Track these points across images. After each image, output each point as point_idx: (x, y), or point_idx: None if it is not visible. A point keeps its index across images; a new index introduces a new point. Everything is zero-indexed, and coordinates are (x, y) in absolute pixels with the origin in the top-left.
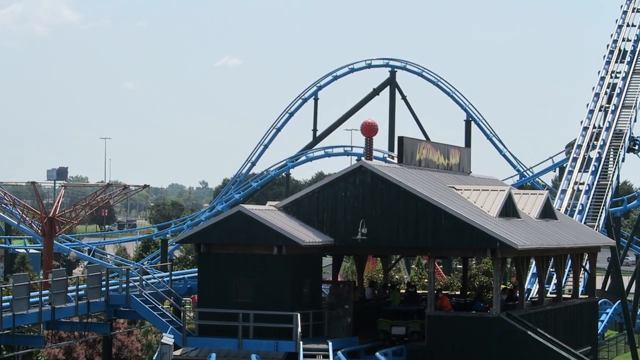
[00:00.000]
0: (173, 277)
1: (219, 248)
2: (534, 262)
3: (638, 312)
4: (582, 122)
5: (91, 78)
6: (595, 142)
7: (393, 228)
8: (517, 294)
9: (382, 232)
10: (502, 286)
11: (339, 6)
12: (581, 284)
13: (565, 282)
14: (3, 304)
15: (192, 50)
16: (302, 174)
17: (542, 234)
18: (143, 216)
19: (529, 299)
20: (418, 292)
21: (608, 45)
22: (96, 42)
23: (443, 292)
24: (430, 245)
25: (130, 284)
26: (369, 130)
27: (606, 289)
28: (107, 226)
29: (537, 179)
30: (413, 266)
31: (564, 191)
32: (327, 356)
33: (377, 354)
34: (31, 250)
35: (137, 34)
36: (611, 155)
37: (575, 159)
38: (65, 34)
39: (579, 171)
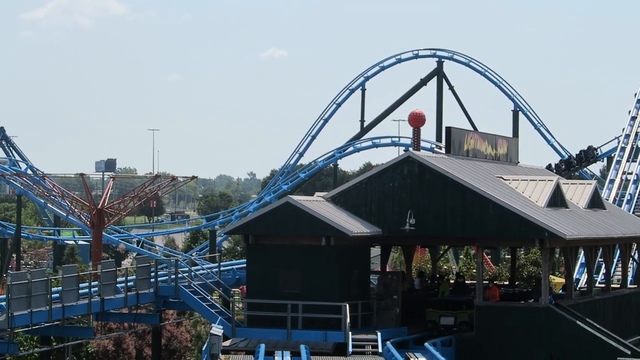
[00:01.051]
0: (222, 268)
1: (267, 239)
2: (582, 252)
3: None
4: (630, 111)
5: (138, 70)
6: None
7: (441, 218)
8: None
9: (430, 223)
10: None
11: None
12: (630, 274)
13: (614, 272)
14: (52, 295)
15: (238, 41)
16: (349, 164)
17: (591, 223)
18: (191, 207)
19: (577, 289)
20: (466, 282)
21: None
22: (142, 34)
23: (487, 282)
24: (478, 236)
25: (179, 275)
26: (416, 120)
27: None
28: (159, 217)
29: (585, 168)
30: (461, 256)
31: (612, 181)
32: (376, 346)
33: (426, 344)
34: (80, 242)
35: (183, 25)
36: None
37: (623, 149)
38: (111, 26)
39: (627, 161)
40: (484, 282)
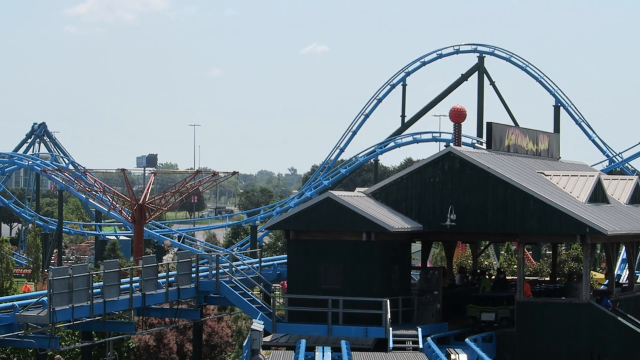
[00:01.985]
0: (262, 264)
1: (308, 234)
2: (623, 248)
3: None
4: None
5: (180, 65)
6: None
7: (482, 214)
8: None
9: (471, 218)
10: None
11: None
12: None
13: None
14: (94, 291)
15: (279, 37)
16: (390, 160)
17: (632, 219)
18: (232, 203)
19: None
20: (507, 278)
21: None
22: (183, 29)
23: (531, 278)
24: (519, 231)
25: (220, 271)
26: (457, 116)
27: None
28: (203, 213)
29: (626, 164)
30: (502, 252)
31: None
32: (417, 342)
33: (467, 340)
34: (121, 237)
35: (224, 21)
36: None
37: None
38: (153, 22)
39: None
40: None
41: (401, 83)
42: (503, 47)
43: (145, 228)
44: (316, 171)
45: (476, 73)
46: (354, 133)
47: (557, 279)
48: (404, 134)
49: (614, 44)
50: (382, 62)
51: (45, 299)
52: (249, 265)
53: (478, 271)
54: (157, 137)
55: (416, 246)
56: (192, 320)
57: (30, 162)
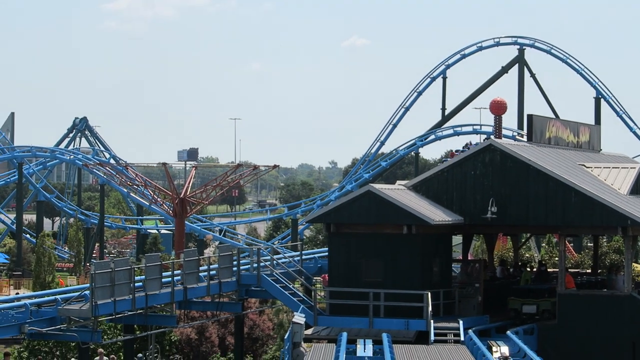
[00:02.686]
0: (303, 257)
1: (349, 228)
2: None
3: None
4: None
5: (220, 59)
6: None
7: (523, 206)
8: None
9: (512, 211)
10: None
11: None
12: None
13: None
14: (136, 284)
15: (320, 30)
16: (431, 152)
17: None
18: (273, 196)
19: None
20: (548, 270)
21: None
22: (223, 23)
23: (572, 270)
24: (560, 224)
25: (261, 264)
26: (498, 108)
27: None
28: (247, 206)
29: None
30: (543, 244)
31: None
32: (458, 335)
33: (508, 332)
34: (162, 231)
35: (264, 15)
36: None
37: None
38: (192, 16)
39: None
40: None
41: (441, 76)
42: (543, 39)
43: (186, 222)
44: (357, 164)
45: (516, 65)
46: (395, 126)
47: (599, 271)
48: (444, 126)
49: None
50: (423, 55)
51: (87, 292)
52: (290, 259)
53: (519, 263)
54: (198, 131)
55: (457, 239)
56: (234, 313)
57: (71, 157)
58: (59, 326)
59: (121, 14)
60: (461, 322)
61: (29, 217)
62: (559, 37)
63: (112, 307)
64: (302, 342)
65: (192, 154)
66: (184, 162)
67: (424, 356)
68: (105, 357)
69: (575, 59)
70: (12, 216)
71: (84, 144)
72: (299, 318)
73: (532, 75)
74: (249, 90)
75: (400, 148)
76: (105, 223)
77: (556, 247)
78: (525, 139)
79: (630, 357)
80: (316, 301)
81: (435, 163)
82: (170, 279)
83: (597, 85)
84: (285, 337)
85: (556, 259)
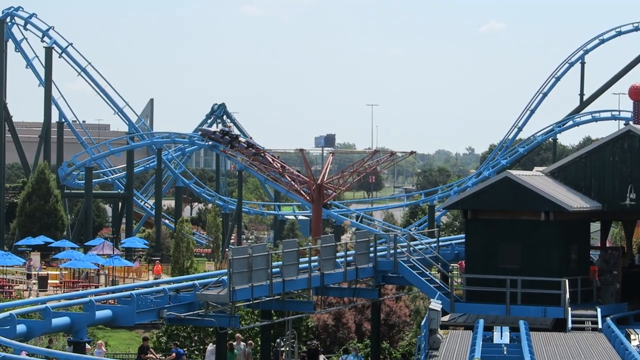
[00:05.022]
0: (440, 243)
1: (486, 214)
2: None
3: None
4: None
5: (358, 44)
6: None
7: None
8: None
9: None
10: None
11: None
12: None
13: None
14: (273, 270)
15: (458, 14)
16: (569, 138)
17: None
18: (410, 182)
19: None
20: None
21: None
22: (363, 8)
23: None
24: None
25: (398, 250)
26: (637, 94)
27: None
28: (394, 193)
29: None
30: None
31: None
32: (596, 322)
33: None
34: (300, 217)
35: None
36: None
37: None
38: (332, 1)
39: None
40: None
41: (580, 61)
42: None
43: (323, 208)
44: (494, 150)
45: None
46: (532, 112)
47: None
48: (582, 112)
49: None
50: (561, 40)
51: (225, 278)
52: (427, 245)
53: None
54: (335, 117)
55: (595, 225)
56: (370, 299)
57: (210, 143)
58: (196, 311)
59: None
60: (599, 309)
61: (168, 203)
62: None
63: (250, 293)
64: (439, 329)
65: (329, 140)
66: (321, 149)
67: (561, 344)
68: (242, 343)
69: None
70: (151, 202)
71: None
72: (436, 305)
73: None
74: (386, 75)
75: (538, 134)
76: (243, 209)
77: None
78: None
79: None
80: (453, 288)
81: (574, 149)
82: (307, 264)
83: None
84: (422, 323)
85: None
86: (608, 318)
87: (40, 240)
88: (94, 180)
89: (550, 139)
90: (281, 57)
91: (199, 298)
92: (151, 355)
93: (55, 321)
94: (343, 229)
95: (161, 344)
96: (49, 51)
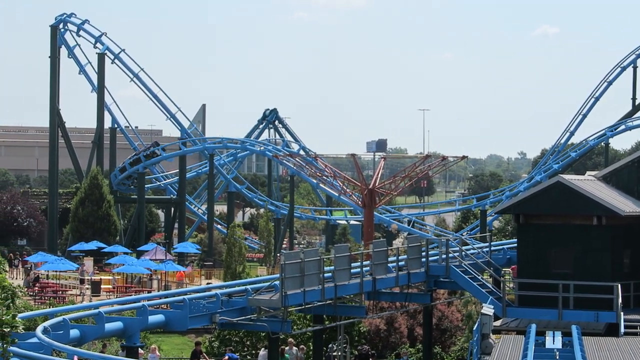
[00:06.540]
0: (492, 248)
1: (538, 219)
2: None
3: None
4: None
5: (409, 49)
6: None
7: None
8: None
9: None
10: None
11: None
12: None
13: None
14: (325, 275)
15: (510, 19)
16: (621, 143)
17: None
18: (462, 187)
19: None
20: None
21: None
22: (414, 12)
23: None
24: None
25: (450, 255)
26: None
27: None
28: (452, 197)
29: None
30: None
31: None
32: None
33: None
34: (351, 222)
35: (454, 4)
36: None
37: None
38: (383, 5)
39: None
40: None
41: (632, 65)
42: None
43: (375, 212)
44: (546, 155)
45: None
46: (584, 116)
47: None
48: (635, 116)
49: None
50: (613, 44)
51: (277, 283)
52: (479, 250)
53: None
54: (386, 122)
55: None
56: (422, 304)
57: (262, 148)
58: (249, 316)
59: (312, 5)
60: None
61: (220, 208)
62: None
63: (302, 298)
64: (491, 334)
65: (380, 145)
66: (372, 153)
67: (613, 349)
68: (295, 347)
69: None
70: (204, 207)
71: (274, 135)
72: (488, 309)
73: None
74: (438, 80)
75: (590, 138)
76: (295, 214)
77: None
78: None
79: None
80: (505, 292)
81: (626, 154)
82: (359, 269)
83: None
84: (474, 328)
85: None
86: None
87: (93, 245)
88: (146, 186)
89: (602, 143)
90: (333, 62)
91: (251, 303)
92: (204, 359)
93: (108, 326)
94: (392, 233)
95: (213, 349)
96: (101, 57)
